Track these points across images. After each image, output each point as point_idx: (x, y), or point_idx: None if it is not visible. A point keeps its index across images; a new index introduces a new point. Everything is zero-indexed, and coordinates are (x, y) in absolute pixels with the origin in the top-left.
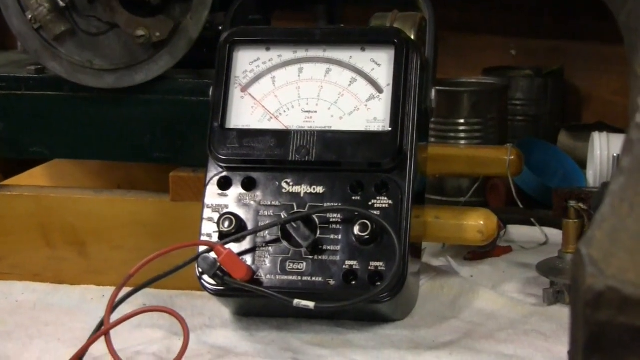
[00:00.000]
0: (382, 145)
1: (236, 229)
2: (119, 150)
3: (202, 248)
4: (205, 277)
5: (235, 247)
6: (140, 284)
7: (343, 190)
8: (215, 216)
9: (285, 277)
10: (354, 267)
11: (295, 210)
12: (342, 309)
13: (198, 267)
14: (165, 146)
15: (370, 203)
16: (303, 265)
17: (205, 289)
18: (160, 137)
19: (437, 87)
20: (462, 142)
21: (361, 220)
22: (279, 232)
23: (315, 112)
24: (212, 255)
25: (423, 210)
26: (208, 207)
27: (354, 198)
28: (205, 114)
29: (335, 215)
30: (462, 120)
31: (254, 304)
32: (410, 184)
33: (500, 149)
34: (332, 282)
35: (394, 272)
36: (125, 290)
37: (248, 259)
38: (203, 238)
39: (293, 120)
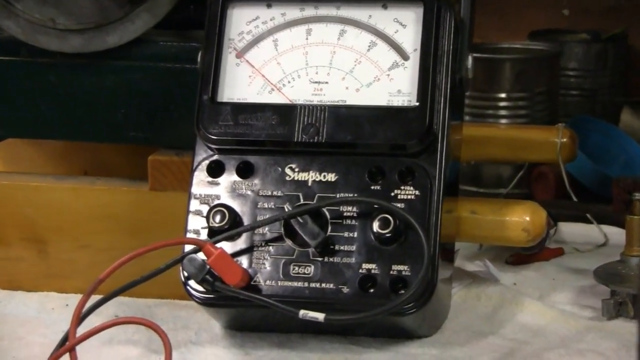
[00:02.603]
0: (408, 124)
1: (230, 224)
2: (87, 129)
3: (188, 247)
4: (192, 282)
5: (228, 247)
6: (112, 290)
7: (359, 177)
8: (205, 209)
9: (289, 284)
10: (373, 271)
11: (302, 202)
12: (357, 321)
13: (183, 270)
14: (143, 123)
15: (392, 194)
16: (311, 269)
17: (191, 296)
18: (137, 113)
19: (474, 54)
20: (504, 120)
21: (381, 215)
22: (282, 229)
23: (327, 83)
24: (200, 256)
25: (456, 204)
26: (195, 197)
27: (372, 187)
28: (193, 84)
29: (350, 208)
30: (503, 95)
31: (251, 315)
32: (441, 170)
33: (549, 130)
34: (345, 290)
35: (420, 277)
36: (94, 298)
37: (244, 261)
38: (189, 235)
39: (299, 93)
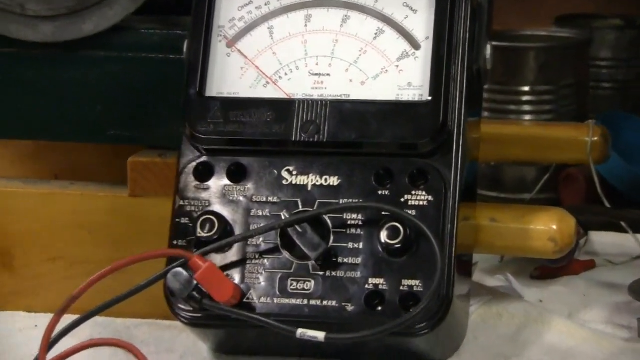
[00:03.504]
0: (419, 120)
1: (219, 234)
2: (60, 127)
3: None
4: (177, 299)
5: (218, 260)
6: (88, 311)
7: (365, 181)
8: (192, 217)
9: (287, 301)
10: (381, 286)
11: (301, 209)
12: (362, 340)
13: (167, 286)
14: (122, 121)
15: (402, 199)
16: (311, 285)
17: (176, 316)
18: (116, 109)
19: (494, 43)
20: (527, 117)
21: (390, 223)
22: (278, 239)
23: (328, 75)
24: (186, 270)
25: (474, 210)
26: (181, 204)
27: (380, 192)
28: (178, 77)
29: (354, 215)
30: (526, 88)
31: (243, 337)
32: (457, 173)
33: (578, 127)
34: (350, 308)
35: (433, 292)
36: (67, 318)
37: (235, 275)
38: (174, 246)
39: (297, 87)
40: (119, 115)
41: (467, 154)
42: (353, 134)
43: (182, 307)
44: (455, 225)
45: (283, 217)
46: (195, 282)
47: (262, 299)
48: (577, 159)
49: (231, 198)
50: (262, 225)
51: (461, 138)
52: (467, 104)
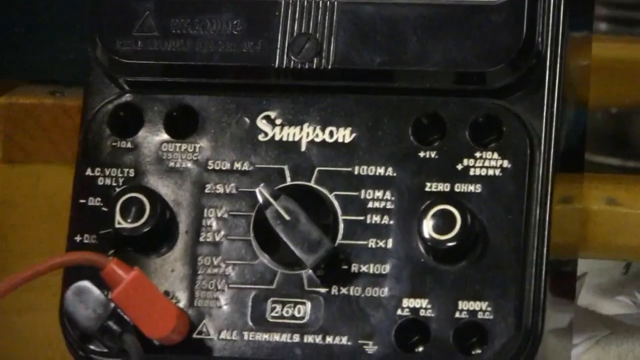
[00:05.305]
0: (489, 35)
1: (154, 224)
2: None
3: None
4: (81, 335)
5: (151, 267)
6: None
7: (397, 135)
8: (107, 196)
9: (265, 337)
10: (422, 312)
11: (289, 182)
12: None
13: (65, 312)
14: None
15: (459, 166)
16: (305, 310)
17: None
18: None
19: None
20: None
21: (439, 207)
22: (251, 234)
23: None
24: (97, 285)
25: (580, 187)
26: (90, 175)
27: (421, 155)
28: None
29: (379, 193)
30: None
31: None
32: (552, 123)
33: None
34: (371, 349)
35: (511, 324)
36: None
37: (180, 294)
38: (75, 246)
39: None
40: None
41: (569, 93)
42: (377, 57)
43: (91, 347)
44: (549, 211)
45: (259, 197)
46: (112, 305)
47: (224, 334)
48: None
49: (172, 164)
50: (224, 209)
51: (558, 65)
52: (567, 9)
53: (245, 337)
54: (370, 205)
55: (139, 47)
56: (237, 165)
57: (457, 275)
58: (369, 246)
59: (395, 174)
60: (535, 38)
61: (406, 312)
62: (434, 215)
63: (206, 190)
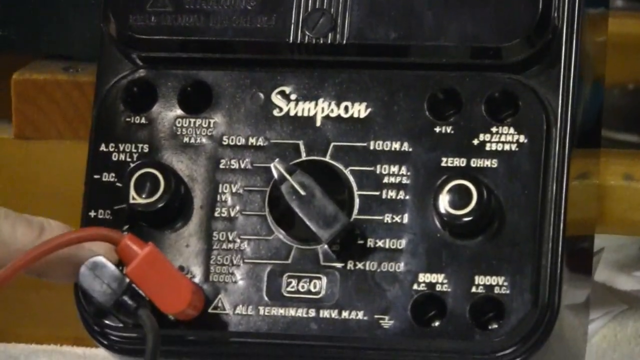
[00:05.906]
0: (505, 9)
1: (168, 199)
2: None
3: (90, 247)
4: (97, 310)
5: (165, 243)
6: None
7: (413, 110)
8: (121, 171)
9: (281, 312)
10: (439, 287)
11: (304, 157)
12: None
13: (80, 288)
14: (4, 17)
15: (475, 141)
16: (321, 285)
17: (95, 338)
18: None
19: None
20: None
21: (455, 182)
22: (266, 209)
23: None
24: (111, 262)
25: (597, 163)
26: (104, 150)
27: (437, 130)
28: None
29: (394, 168)
30: None
31: None
32: (569, 98)
33: None
34: (387, 323)
35: (528, 298)
36: None
37: (195, 269)
38: (89, 222)
39: None
40: None
41: (585, 69)
42: (392, 32)
43: (107, 323)
44: (565, 187)
45: (275, 172)
46: (127, 280)
47: (240, 309)
48: None
49: (187, 140)
50: (239, 185)
51: (574, 41)
52: None
53: (261, 312)
54: (385, 180)
55: (152, 22)
56: (252, 141)
57: (474, 251)
58: (385, 221)
59: (410, 149)
60: (551, 13)
61: (422, 287)
62: (450, 191)
63: (221, 166)
